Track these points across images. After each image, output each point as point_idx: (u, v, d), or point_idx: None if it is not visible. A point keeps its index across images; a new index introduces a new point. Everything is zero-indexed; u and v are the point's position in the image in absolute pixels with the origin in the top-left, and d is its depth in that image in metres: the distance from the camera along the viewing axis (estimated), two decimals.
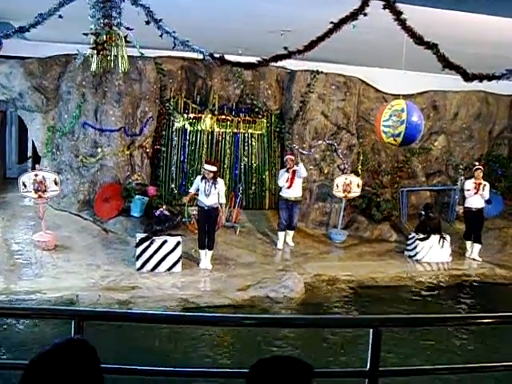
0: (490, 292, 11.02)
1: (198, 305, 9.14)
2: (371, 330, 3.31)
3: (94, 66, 4.69)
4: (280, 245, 12.20)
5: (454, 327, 7.99)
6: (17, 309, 4.28)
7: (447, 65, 4.50)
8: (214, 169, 10.70)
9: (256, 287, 9.88)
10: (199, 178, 10.81)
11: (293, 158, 12.21)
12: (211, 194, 10.56)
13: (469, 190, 12.39)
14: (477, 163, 13.25)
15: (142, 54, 5.18)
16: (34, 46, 12.00)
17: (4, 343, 7.30)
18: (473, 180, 12.49)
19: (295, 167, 11.99)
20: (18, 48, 11.76)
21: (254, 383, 2.12)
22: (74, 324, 3.05)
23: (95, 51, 4.43)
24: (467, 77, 4.55)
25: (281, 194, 12.33)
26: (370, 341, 3.29)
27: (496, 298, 10.60)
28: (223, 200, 10.96)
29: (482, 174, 12.47)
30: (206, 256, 10.80)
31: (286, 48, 4.23)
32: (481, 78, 4.56)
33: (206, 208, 10.67)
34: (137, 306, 8.90)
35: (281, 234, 12.25)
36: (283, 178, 12.04)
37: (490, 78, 4.55)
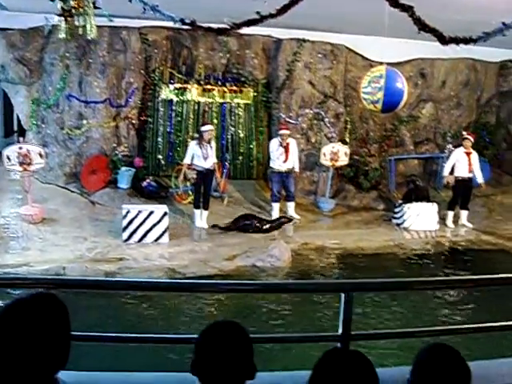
0: (477, 258, 11.06)
1: (185, 275, 9.14)
2: (342, 295, 3.32)
3: (62, 34, 4.61)
4: (275, 215, 12.05)
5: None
6: None
7: (423, 28, 4.45)
8: (213, 127, 11.54)
9: (243, 257, 9.90)
10: (193, 143, 11.24)
11: (289, 132, 12.18)
12: (209, 156, 11.15)
13: (460, 162, 12.31)
14: (464, 132, 13.12)
15: (111, 20, 5.08)
16: (15, 17, 11.86)
17: None
18: (463, 149, 12.42)
19: (289, 140, 12.06)
20: None
21: (201, 349, 2.16)
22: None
23: (63, 18, 4.35)
24: (444, 40, 4.51)
25: (272, 165, 12.23)
26: (342, 305, 3.29)
27: (482, 264, 10.66)
28: (215, 159, 11.49)
29: (470, 144, 12.40)
30: (201, 215, 11.29)
31: (258, 13, 4.17)
32: (457, 41, 4.52)
33: (204, 171, 11.19)
34: (124, 277, 8.92)
35: (276, 205, 12.13)
36: (278, 152, 11.98)
37: (466, 41, 4.51)
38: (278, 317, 7.59)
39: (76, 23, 4.25)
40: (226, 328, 2.22)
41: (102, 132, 12.56)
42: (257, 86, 13.55)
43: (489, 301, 7.60)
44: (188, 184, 12.01)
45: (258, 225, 11.25)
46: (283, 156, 11.99)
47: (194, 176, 11.36)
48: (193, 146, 11.23)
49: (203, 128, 11.32)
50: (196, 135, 11.85)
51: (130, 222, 10.26)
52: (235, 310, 7.80)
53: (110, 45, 12.39)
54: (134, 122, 12.87)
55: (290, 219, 11.74)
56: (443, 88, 15.02)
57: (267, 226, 11.34)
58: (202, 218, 11.36)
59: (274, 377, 3.10)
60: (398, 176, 14.30)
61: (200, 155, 11.10)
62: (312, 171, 13.48)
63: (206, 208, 11.41)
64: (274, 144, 12.12)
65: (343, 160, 13.09)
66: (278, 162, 12.08)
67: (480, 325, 3.58)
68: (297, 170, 12.33)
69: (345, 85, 13.95)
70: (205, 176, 11.30)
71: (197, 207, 11.39)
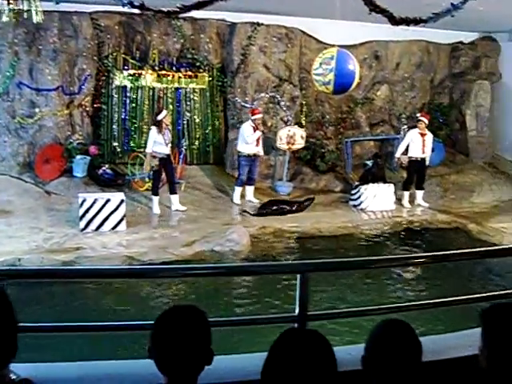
0: (433, 237, 11.29)
1: (144, 262, 9.09)
2: (298, 276, 3.33)
3: (4, 17, 4.47)
4: (237, 199, 12.16)
5: None
6: None
7: (374, 8, 4.46)
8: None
9: (202, 242, 9.87)
10: (154, 131, 11.10)
11: (261, 116, 12.38)
12: (169, 141, 11.28)
13: (414, 142, 12.50)
14: (419, 114, 13.30)
15: (58, 3, 4.95)
16: None
17: None
18: (417, 130, 12.58)
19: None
20: None
21: (157, 335, 2.14)
22: None
23: (5, 2, 4.22)
24: (394, 20, 4.54)
25: (242, 150, 12.20)
26: (298, 286, 3.30)
27: (438, 241, 10.92)
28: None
29: (424, 125, 12.58)
30: (171, 200, 11.41)
31: None
32: (408, 21, 4.54)
33: (165, 157, 11.20)
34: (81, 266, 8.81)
35: (239, 189, 12.21)
36: (254, 136, 12.03)
37: (416, 21, 4.54)
38: None
39: (20, 7, 4.14)
40: (183, 313, 2.19)
41: (56, 120, 12.34)
42: (212, 70, 13.48)
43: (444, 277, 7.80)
44: (145, 171, 11.86)
45: (286, 207, 11.62)
46: (256, 141, 12.14)
47: (157, 163, 11.22)
48: (154, 133, 11.08)
49: (160, 116, 11.18)
50: (152, 127, 11.53)
51: (87, 211, 10.12)
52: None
53: (60, 30, 12.14)
54: (88, 109, 12.68)
55: (313, 199, 12.11)
56: (397, 70, 15.17)
57: (295, 206, 11.76)
58: (174, 201, 11.39)
59: (232, 360, 3.09)
60: (355, 158, 14.42)
61: (162, 142, 11.05)
62: (269, 155, 13.45)
63: (174, 192, 11.41)
64: (249, 128, 12.08)
65: (300, 143, 13.13)
66: (249, 146, 12.11)
67: (434, 300, 3.64)
68: (261, 153, 12.46)
69: (300, 68, 13.96)
70: (166, 161, 11.26)
71: (155, 194, 11.30)
